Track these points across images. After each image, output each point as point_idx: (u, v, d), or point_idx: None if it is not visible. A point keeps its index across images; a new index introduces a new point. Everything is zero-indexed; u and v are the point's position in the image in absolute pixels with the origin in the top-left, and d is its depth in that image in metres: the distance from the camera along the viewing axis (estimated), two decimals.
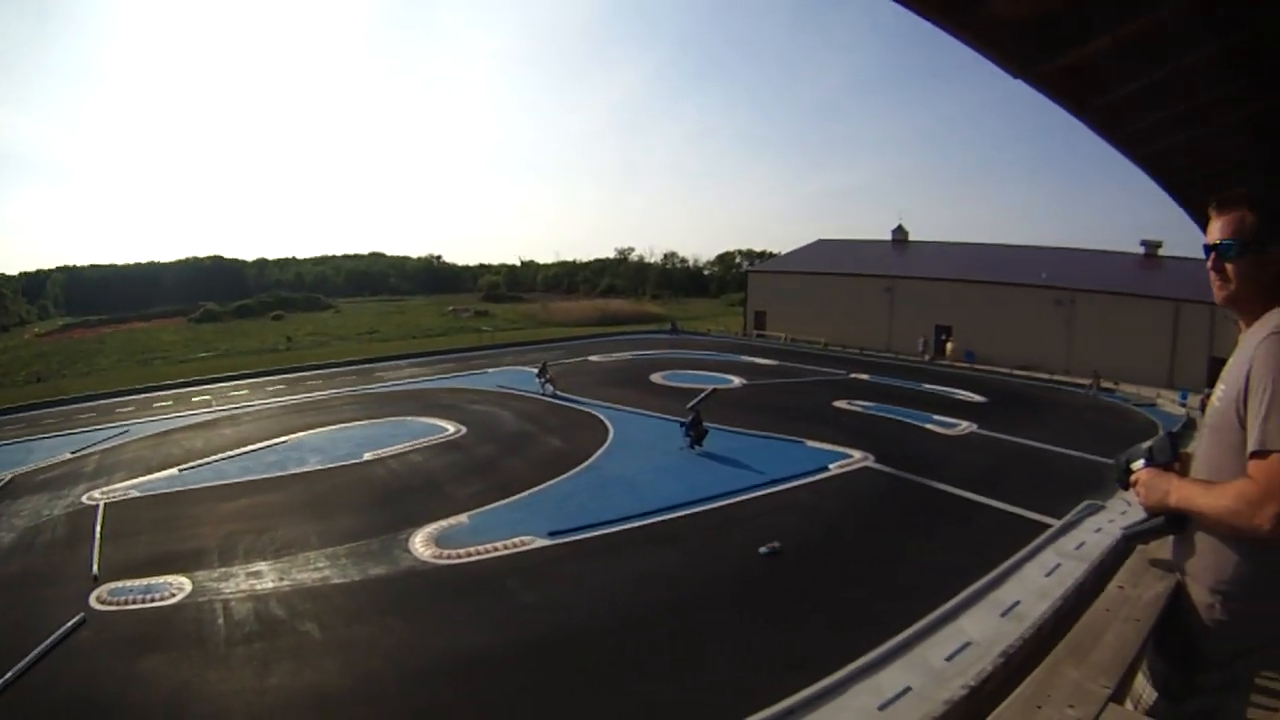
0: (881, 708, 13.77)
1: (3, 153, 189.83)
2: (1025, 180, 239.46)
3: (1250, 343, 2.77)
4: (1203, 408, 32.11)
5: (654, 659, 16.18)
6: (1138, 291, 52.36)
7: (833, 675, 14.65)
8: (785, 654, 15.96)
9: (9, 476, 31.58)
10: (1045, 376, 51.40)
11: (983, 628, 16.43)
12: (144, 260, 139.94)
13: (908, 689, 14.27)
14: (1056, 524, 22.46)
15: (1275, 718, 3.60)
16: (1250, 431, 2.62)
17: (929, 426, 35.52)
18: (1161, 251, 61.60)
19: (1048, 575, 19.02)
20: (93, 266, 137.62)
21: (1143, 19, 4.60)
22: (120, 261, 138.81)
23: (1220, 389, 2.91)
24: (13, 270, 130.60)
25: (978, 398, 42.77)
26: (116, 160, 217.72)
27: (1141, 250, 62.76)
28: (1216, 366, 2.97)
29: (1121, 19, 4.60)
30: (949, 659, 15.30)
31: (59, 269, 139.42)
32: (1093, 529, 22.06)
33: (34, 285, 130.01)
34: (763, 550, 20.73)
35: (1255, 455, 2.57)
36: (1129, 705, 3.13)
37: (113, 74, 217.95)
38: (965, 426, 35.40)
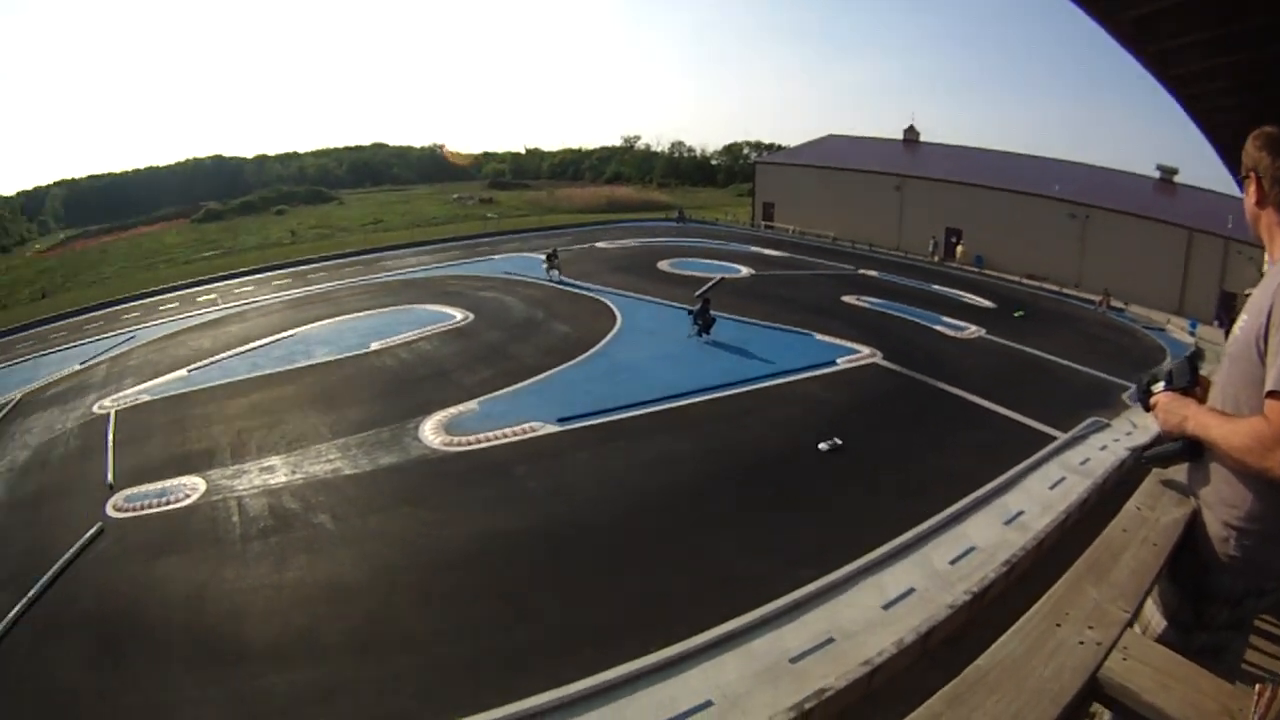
0: (885, 607, 14.16)
1: None
2: (1037, 93, 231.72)
3: (1275, 276, 2.68)
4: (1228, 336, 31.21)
5: (664, 546, 16.51)
6: (1152, 214, 51.15)
7: (838, 570, 15.06)
8: (792, 546, 16.21)
9: (18, 395, 31.85)
10: (1054, 288, 50.45)
11: (986, 534, 16.72)
12: (143, 166, 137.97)
13: (911, 590, 14.66)
14: (1062, 437, 22.35)
15: (1271, 663, 3.59)
16: (1269, 370, 2.54)
17: (938, 328, 34.92)
18: (1176, 179, 60.00)
19: (1052, 488, 19.16)
20: (91, 177, 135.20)
21: None
22: (119, 169, 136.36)
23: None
24: (10, 190, 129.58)
25: (987, 303, 41.90)
26: (108, 64, 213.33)
27: (1157, 175, 61.23)
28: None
29: None
30: (953, 563, 15.65)
31: (56, 183, 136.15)
32: (1098, 446, 21.97)
33: (33, 202, 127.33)
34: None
35: (1272, 395, 2.49)
36: (1137, 629, 3.07)
37: None
38: (974, 331, 34.83)
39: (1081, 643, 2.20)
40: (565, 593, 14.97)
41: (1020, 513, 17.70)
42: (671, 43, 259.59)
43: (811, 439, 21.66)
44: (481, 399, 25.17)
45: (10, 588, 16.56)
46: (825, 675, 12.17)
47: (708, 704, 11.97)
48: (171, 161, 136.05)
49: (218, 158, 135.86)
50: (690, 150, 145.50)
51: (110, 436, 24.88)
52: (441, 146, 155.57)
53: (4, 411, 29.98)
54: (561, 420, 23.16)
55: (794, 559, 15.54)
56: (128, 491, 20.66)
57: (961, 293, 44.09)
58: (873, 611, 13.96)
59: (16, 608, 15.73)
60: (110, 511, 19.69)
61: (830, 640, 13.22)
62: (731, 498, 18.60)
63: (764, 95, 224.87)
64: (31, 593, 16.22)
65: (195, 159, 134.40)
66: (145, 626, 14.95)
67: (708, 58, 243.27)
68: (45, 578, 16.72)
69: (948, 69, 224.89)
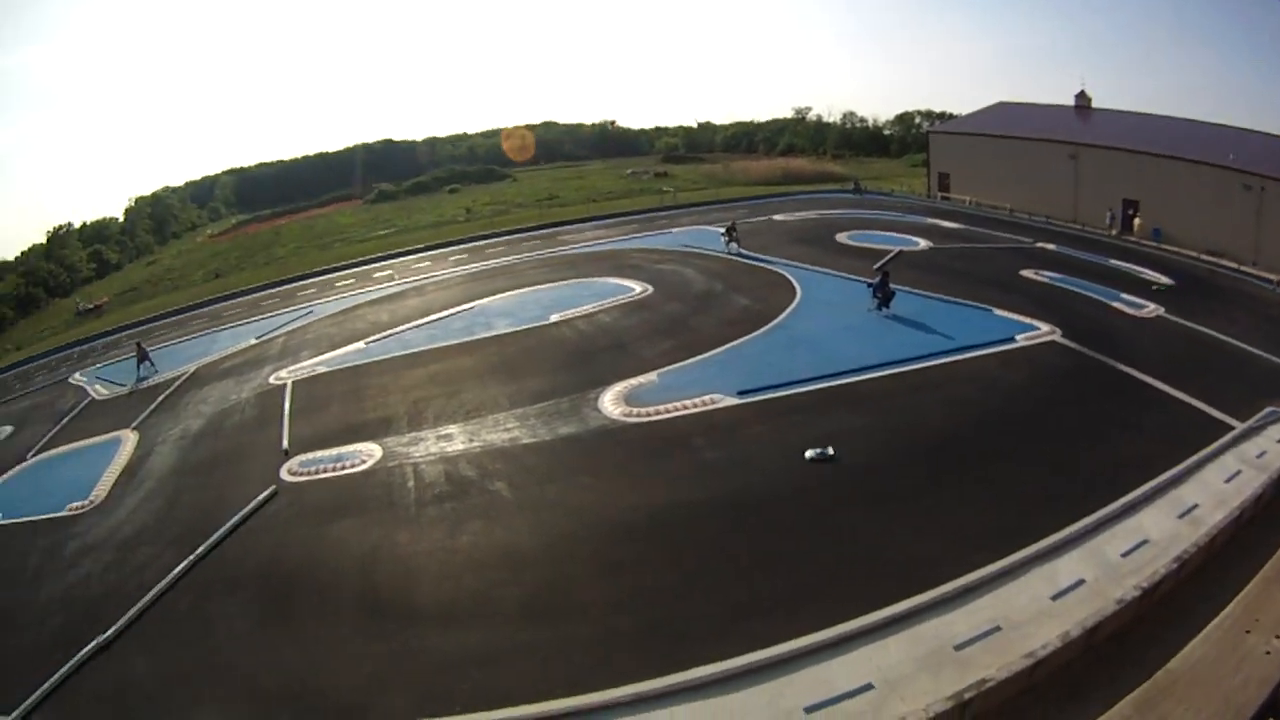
0: (1054, 598, 13.93)
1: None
2: (1182, 52, 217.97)
3: None
4: None
5: (841, 523, 16.15)
6: None
7: (1010, 557, 14.66)
8: (970, 528, 15.74)
9: (192, 369, 33.53)
10: (1232, 266, 47.61)
11: (1160, 527, 15.99)
12: (312, 152, 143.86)
13: (1081, 581, 14.37)
14: (1239, 427, 20.71)
15: None
16: None
17: (1116, 305, 33.23)
18: None
19: (1227, 481, 18.05)
20: (260, 165, 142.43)
21: None
22: (288, 157, 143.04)
23: None
24: (179, 180, 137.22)
25: (1166, 280, 39.96)
26: (277, 60, 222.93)
27: None
28: None
29: None
30: (1125, 555, 15.06)
31: (226, 172, 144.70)
32: (1274, 438, 20.39)
33: (201, 191, 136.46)
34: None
35: None
36: None
37: None
38: (1153, 309, 32.88)
39: (1268, 652, 2.16)
40: (741, 567, 14.82)
41: (1194, 506, 16.81)
42: (837, 13, 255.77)
43: (994, 419, 20.90)
44: (661, 371, 24.92)
45: (179, 545, 17.38)
46: (988, 665, 12.15)
47: (867, 687, 12.03)
48: (340, 147, 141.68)
49: (387, 141, 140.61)
50: (862, 120, 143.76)
51: (286, 405, 25.78)
52: (613, 123, 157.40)
53: (178, 383, 31.50)
54: (742, 393, 22.68)
55: (969, 542, 15.19)
56: (303, 457, 21.32)
57: (1140, 268, 41.81)
58: (1042, 601, 13.82)
59: (184, 564, 16.53)
60: (285, 475, 20.39)
61: (996, 629, 13.20)
62: (913, 476, 18.02)
63: (930, 62, 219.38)
64: (200, 549, 16.95)
65: (365, 144, 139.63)
66: (314, 584, 15.42)
67: (872, 26, 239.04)
68: (216, 536, 17.46)
69: (1102, 31, 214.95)
